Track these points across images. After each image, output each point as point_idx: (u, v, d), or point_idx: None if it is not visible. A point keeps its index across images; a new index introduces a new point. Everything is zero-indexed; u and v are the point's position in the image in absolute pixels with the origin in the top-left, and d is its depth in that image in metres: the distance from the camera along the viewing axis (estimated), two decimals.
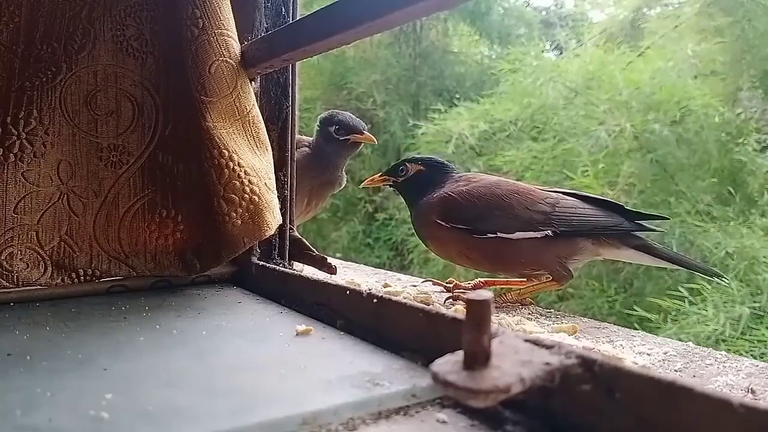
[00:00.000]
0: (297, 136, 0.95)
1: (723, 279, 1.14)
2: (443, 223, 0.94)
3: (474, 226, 0.93)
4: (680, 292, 2.50)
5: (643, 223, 0.94)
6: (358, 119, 1.16)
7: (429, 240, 1.01)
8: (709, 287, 2.43)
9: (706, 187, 3.18)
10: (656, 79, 3.40)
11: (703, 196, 3.13)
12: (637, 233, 0.93)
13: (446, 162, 1.05)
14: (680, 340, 0.75)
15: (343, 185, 1.21)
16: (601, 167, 3.23)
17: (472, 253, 0.95)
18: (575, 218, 0.92)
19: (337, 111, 1.18)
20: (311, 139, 1.17)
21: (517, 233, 0.91)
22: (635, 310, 2.68)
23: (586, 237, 0.92)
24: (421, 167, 1.03)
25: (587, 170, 3.24)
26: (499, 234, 0.91)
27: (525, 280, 0.97)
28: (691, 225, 2.94)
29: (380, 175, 1.07)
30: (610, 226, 0.92)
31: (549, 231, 0.90)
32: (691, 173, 3.23)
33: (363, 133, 1.14)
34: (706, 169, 3.25)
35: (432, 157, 1.06)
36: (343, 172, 1.19)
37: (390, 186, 1.06)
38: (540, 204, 0.93)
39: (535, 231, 0.91)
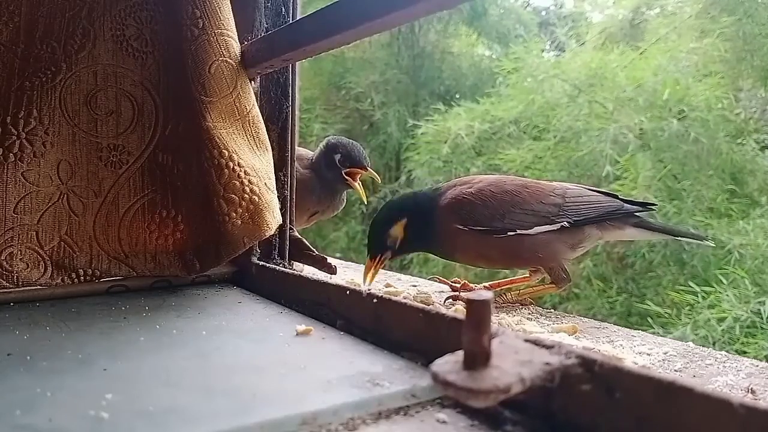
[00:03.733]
0: (297, 150, 0.94)
1: (709, 242, 1.18)
2: (462, 227, 0.91)
3: (492, 226, 0.90)
4: (692, 287, 2.51)
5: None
6: (362, 150, 1.11)
7: (457, 250, 0.96)
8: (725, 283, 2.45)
9: (712, 185, 3.18)
10: (659, 77, 3.40)
11: (707, 193, 3.13)
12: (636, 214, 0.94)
13: (416, 191, 0.99)
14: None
15: (341, 208, 1.19)
16: (623, 167, 3.22)
17: (491, 253, 0.93)
18: (584, 207, 0.92)
19: (343, 140, 1.13)
20: (312, 155, 1.15)
21: (536, 228, 0.90)
22: (648, 305, 2.68)
23: (592, 223, 0.92)
24: (405, 220, 0.94)
25: (613, 170, 3.22)
26: (518, 231, 0.89)
27: (528, 275, 0.97)
28: (696, 223, 2.95)
29: (371, 262, 0.95)
30: (614, 210, 0.92)
31: (565, 222, 0.90)
32: (696, 171, 3.23)
33: (366, 170, 1.10)
34: (712, 167, 3.25)
35: (401, 197, 0.98)
36: (344, 196, 1.16)
37: (391, 259, 0.96)
38: (551, 196, 0.92)
39: (551, 224, 0.90)
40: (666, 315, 2.61)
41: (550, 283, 0.93)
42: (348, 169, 1.09)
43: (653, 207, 0.97)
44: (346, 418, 0.40)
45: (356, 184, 1.09)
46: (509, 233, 0.90)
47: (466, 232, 0.91)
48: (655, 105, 3.36)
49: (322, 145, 1.14)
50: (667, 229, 1.00)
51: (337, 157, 1.09)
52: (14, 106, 0.74)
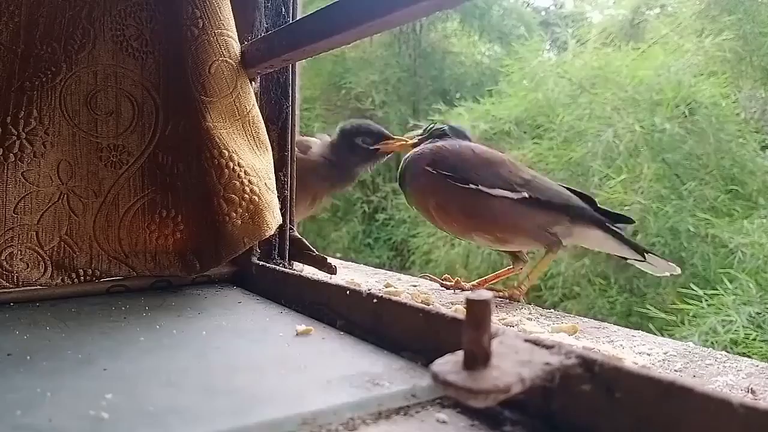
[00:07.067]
0: (298, 137, 0.95)
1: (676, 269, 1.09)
2: (430, 170, 0.96)
3: (458, 174, 0.94)
4: (694, 290, 2.49)
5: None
6: (380, 127, 1.14)
7: (411, 188, 1.02)
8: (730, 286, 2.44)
9: (714, 185, 3.18)
10: (660, 76, 3.40)
11: (709, 192, 3.12)
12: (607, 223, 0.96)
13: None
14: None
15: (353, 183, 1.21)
16: (619, 170, 3.21)
17: (449, 204, 0.97)
18: (550, 191, 0.95)
19: (359, 121, 1.15)
20: (317, 141, 1.15)
21: (497, 190, 0.93)
22: (648, 308, 2.67)
23: (562, 211, 0.94)
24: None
25: (606, 174, 3.22)
26: (480, 186, 0.93)
27: (512, 267, 1.00)
28: (696, 222, 2.94)
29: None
30: (584, 208, 0.94)
31: (525, 193, 0.93)
32: (698, 171, 3.23)
33: (393, 138, 1.12)
34: (712, 167, 3.25)
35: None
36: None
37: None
38: (521, 172, 0.97)
39: (512, 192, 0.93)
40: (669, 321, 2.59)
41: (545, 254, 0.95)
42: (375, 146, 1.11)
43: (630, 221, 0.99)
44: (346, 418, 0.40)
45: (391, 144, 1.12)
46: (471, 185, 0.93)
47: (429, 174, 0.96)
48: (656, 104, 3.35)
49: (337, 131, 1.14)
50: (633, 244, 0.97)
51: (359, 140, 1.11)
52: (14, 106, 0.74)
